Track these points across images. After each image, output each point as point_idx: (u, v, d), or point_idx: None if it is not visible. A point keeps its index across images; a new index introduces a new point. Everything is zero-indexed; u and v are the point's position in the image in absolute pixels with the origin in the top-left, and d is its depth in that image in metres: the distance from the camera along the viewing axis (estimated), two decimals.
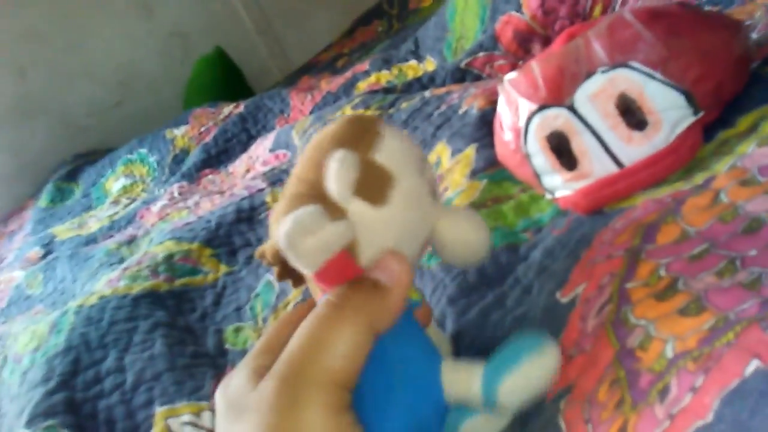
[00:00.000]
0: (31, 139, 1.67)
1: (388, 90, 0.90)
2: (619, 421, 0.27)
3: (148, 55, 1.78)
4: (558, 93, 0.41)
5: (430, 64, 0.97)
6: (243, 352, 0.56)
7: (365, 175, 0.30)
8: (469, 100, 0.65)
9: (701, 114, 0.40)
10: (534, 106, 0.42)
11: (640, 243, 0.35)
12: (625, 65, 0.40)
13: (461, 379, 0.30)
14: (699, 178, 0.38)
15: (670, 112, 0.40)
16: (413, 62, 1.00)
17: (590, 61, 0.41)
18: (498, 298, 0.40)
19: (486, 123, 0.59)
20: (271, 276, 0.64)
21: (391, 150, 0.31)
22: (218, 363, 0.56)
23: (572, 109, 0.41)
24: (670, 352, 0.27)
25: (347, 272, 0.29)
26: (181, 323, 0.62)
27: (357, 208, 0.30)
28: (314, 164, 0.31)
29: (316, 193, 0.30)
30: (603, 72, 0.40)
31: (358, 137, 0.31)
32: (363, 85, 1.05)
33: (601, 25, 0.41)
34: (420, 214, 0.32)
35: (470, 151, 0.57)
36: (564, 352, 0.33)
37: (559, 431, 0.29)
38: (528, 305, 0.38)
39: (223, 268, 0.71)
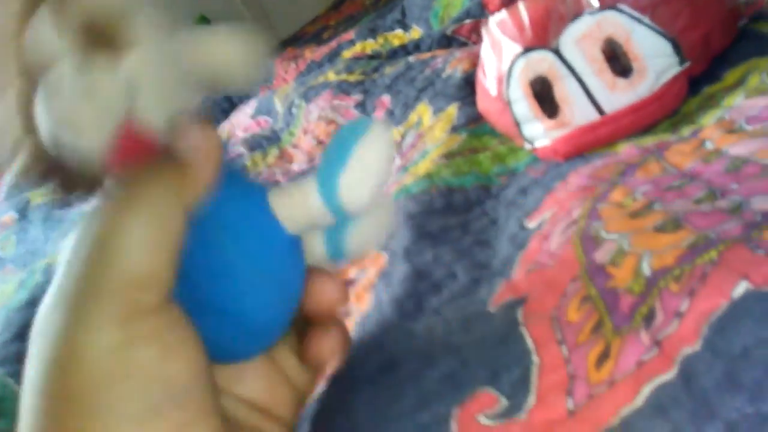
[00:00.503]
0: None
1: (372, 57, 0.88)
2: (600, 345, 0.25)
3: None
4: (544, 35, 0.40)
5: (416, 33, 0.95)
6: None
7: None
8: (453, 64, 0.64)
9: (687, 64, 0.39)
10: (519, 49, 0.41)
11: (618, 177, 0.33)
12: (613, 7, 0.38)
13: (296, 201, 0.25)
14: (685, 131, 0.37)
15: (656, 59, 0.38)
16: (399, 31, 0.99)
17: (578, 2, 0.39)
18: (462, 224, 0.39)
19: (469, 84, 0.57)
20: None
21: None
22: None
23: (557, 52, 0.40)
24: (647, 269, 0.26)
25: (143, 149, 0.23)
26: None
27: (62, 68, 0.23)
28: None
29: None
30: (590, 14, 0.39)
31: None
32: (348, 54, 1.03)
33: None
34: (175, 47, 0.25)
35: (452, 109, 0.55)
36: (521, 269, 0.31)
37: (525, 347, 0.27)
38: (493, 233, 0.37)
39: None
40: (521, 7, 0.41)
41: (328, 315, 0.27)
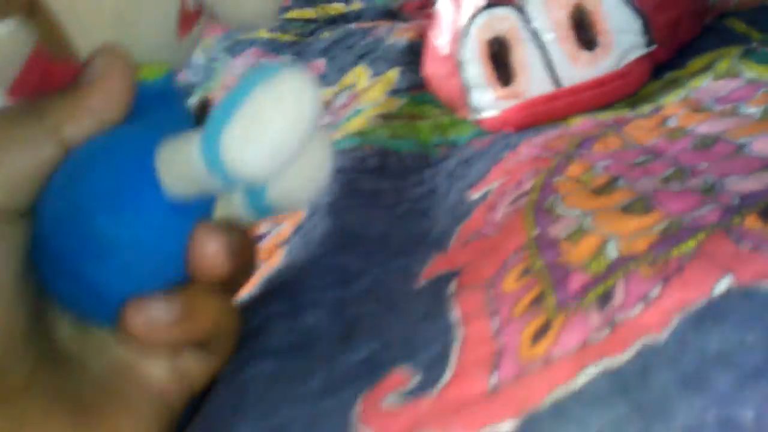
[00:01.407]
0: None
1: (309, 20, 0.83)
2: (539, 319, 0.22)
3: None
4: None
5: (357, 6, 0.91)
6: None
7: None
8: (399, 33, 0.60)
9: (654, 47, 0.36)
10: (482, 2, 0.37)
11: (574, 149, 0.30)
12: None
13: (180, 160, 0.20)
14: (645, 108, 0.34)
15: (623, 35, 0.36)
16: (339, 4, 0.94)
17: None
18: (396, 189, 0.35)
19: (414, 52, 0.53)
20: None
21: None
22: None
23: (522, 11, 0.36)
24: (613, 252, 0.22)
25: (51, 81, 0.21)
26: None
27: None
28: None
29: None
30: None
31: None
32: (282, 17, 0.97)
33: None
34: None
35: (393, 72, 0.51)
36: (458, 240, 0.27)
37: (451, 320, 0.23)
38: (431, 203, 0.32)
39: None
40: None
41: (208, 281, 0.21)
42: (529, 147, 0.32)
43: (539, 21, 0.36)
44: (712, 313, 0.19)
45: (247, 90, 0.19)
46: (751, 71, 0.33)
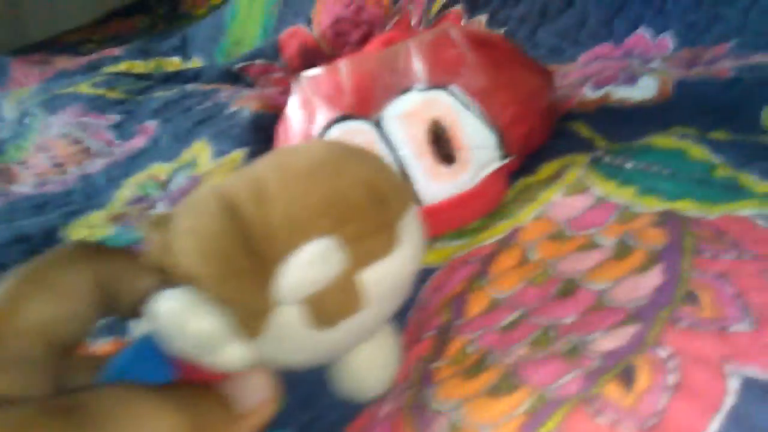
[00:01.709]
0: None
1: (141, 77, 0.76)
2: None
3: None
4: (366, 104, 0.35)
5: (196, 64, 0.86)
6: None
7: (332, 293, 0.20)
8: (241, 102, 0.56)
9: (508, 160, 0.36)
10: (335, 114, 0.35)
11: (449, 319, 0.29)
12: (444, 88, 0.34)
13: None
14: (502, 228, 0.33)
15: (479, 151, 0.35)
16: (176, 59, 0.88)
17: (407, 74, 0.35)
18: None
19: (260, 128, 0.50)
20: None
21: (388, 273, 0.21)
22: None
23: (378, 125, 0.34)
24: None
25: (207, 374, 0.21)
26: None
27: (288, 318, 0.20)
28: (279, 206, 0.20)
29: (245, 249, 0.19)
30: (419, 90, 0.34)
31: (365, 233, 0.20)
32: (110, 71, 0.89)
33: (425, 37, 0.35)
34: (355, 344, 0.23)
35: (238, 155, 0.47)
36: None
37: None
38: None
39: None
40: (343, 68, 0.35)
41: None
42: (416, 328, 0.30)
43: (396, 136, 0.34)
44: None
45: None
46: (598, 187, 0.34)
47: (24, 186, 0.60)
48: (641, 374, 0.21)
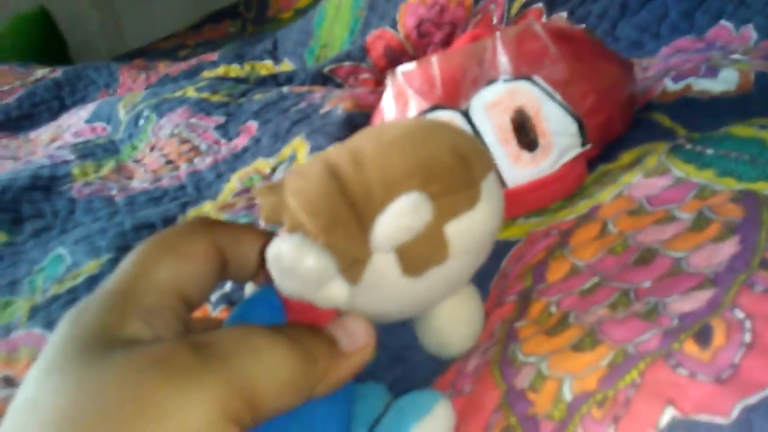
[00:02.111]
0: None
1: (239, 80, 0.82)
2: None
3: None
4: (455, 95, 0.38)
5: (286, 67, 0.91)
6: (7, 327, 0.45)
7: (421, 242, 0.23)
8: (333, 101, 0.61)
9: (588, 146, 0.38)
10: (426, 105, 0.38)
11: (531, 284, 0.31)
12: (528, 78, 0.37)
13: None
14: (582, 207, 0.36)
15: (561, 137, 0.37)
16: (269, 62, 0.94)
17: (493, 66, 0.38)
18: None
19: (352, 125, 0.54)
20: (63, 249, 0.53)
21: (470, 227, 0.24)
22: None
23: (466, 114, 0.37)
24: (568, 394, 0.24)
25: (316, 313, 0.24)
26: None
27: (382, 264, 0.23)
28: (375, 168, 0.23)
29: (346, 205, 0.23)
30: (504, 81, 0.37)
31: (450, 190, 0.23)
32: (209, 75, 0.96)
33: (510, 31, 0.38)
34: (440, 297, 0.26)
35: None
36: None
37: None
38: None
39: (2, 237, 0.58)
40: (434, 62, 0.39)
41: None
42: (497, 296, 0.33)
43: (482, 124, 0.37)
44: None
45: (409, 421, 0.23)
46: (679, 170, 0.35)
47: (139, 181, 0.67)
48: (717, 333, 0.23)
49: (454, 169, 0.24)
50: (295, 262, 0.22)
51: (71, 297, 0.46)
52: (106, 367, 0.18)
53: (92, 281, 0.47)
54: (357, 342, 0.23)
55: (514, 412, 0.24)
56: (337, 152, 0.24)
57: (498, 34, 0.38)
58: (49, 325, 0.44)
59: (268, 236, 0.25)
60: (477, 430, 0.25)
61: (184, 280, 0.22)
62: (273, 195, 0.24)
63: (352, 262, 0.23)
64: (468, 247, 0.25)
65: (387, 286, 0.24)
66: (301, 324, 0.23)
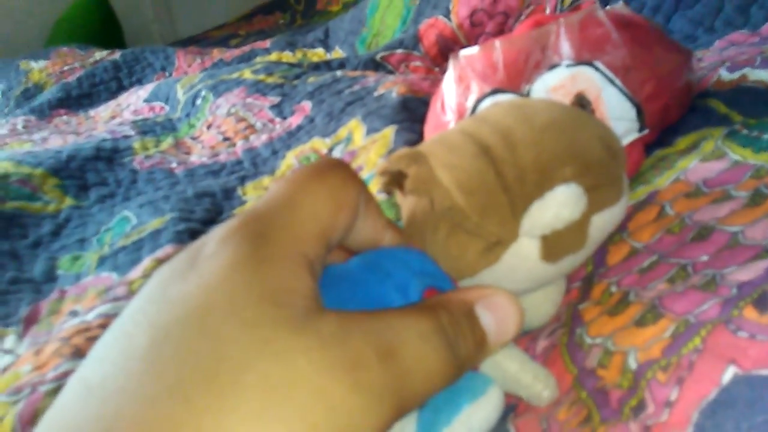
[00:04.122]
0: None
1: (293, 65, 0.84)
2: None
3: None
4: (517, 79, 0.39)
5: (337, 55, 0.93)
6: (77, 276, 0.48)
7: (568, 231, 0.24)
8: (387, 85, 0.62)
9: (646, 132, 0.39)
10: (488, 88, 0.40)
11: (592, 269, 0.33)
12: (590, 64, 0.38)
13: (392, 429, 0.24)
14: (641, 192, 0.37)
15: (619, 122, 0.39)
16: (320, 50, 0.96)
17: (556, 52, 0.39)
18: None
19: (407, 108, 0.56)
20: (128, 212, 0.56)
21: (610, 219, 0.25)
22: (42, 289, 0.49)
23: (527, 98, 0.39)
24: (633, 363, 0.25)
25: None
26: (4, 247, 0.53)
27: (526, 249, 0.24)
28: (528, 153, 0.23)
29: (500, 187, 0.23)
30: (567, 66, 0.38)
31: (602, 183, 0.24)
32: (262, 60, 0.99)
33: (573, 18, 0.39)
34: (559, 278, 0.27)
35: (389, 131, 0.53)
36: None
37: None
38: None
39: (69, 200, 0.62)
40: (497, 46, 0.40)
41: None
42: None
43: None
44: (722, 402, 0.21)
45: (462, 402, 0.22)
46: (736, 154, 0.36)
47: (197, 156, 0.70)
48: None
49: (605, 163, 0.24)
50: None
51: (137, 247, 0.49)
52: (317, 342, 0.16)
53: (156, 234, 0.50)
54: (507, 330, 0.20)
55: (585, 387, 0.26)
56: (484, 130, 0.24)
57: (561, 20, 0.39)
58: (116, 269, 0.47)
59: (388, 218, 0.23)
60: (549, 406, 0.26)
61: (336, 232, 0.20)
62: (419, 165, 0.23)
63: (498, 244, 0.23)
64: (600, 238, 0.25)
65: (522, 268, 0.24)
66: (449, 299, 0.20)
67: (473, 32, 0.73)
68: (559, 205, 0.23)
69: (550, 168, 0.23)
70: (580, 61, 0.38)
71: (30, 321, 0.44)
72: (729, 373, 0.22)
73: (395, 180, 0.25)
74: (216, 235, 0.18)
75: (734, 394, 0.21)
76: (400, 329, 0.18)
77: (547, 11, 0.69)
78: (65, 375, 0.37)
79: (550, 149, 0.23)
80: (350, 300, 0.20)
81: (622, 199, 0.25)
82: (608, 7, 0.43)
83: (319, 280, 0.20)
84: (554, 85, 0.39)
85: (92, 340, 0.40)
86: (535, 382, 0.25)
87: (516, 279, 0.25)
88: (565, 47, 0.39)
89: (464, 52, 0.42)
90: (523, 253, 0.24)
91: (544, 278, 0.25)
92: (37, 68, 1.18)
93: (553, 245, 0.24)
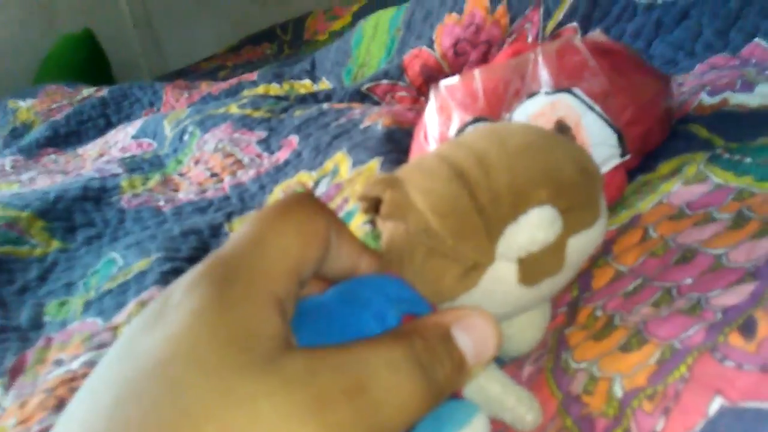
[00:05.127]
0: None
1: (280, 98, 0.85)
2: None
3: (4, 21, 1.59)
4: (497, 107, 0.39)
5: (324, 86, 0.94)
6: (63, 322, 0.48)
7: (545, 254, 0.24)
8: (373, 117, 0.62)
9: (628, 157, 0.39)
10: (469, 117, 0.40)
11: (578, 294, 0.33)
12: (568, 90, 0.38)
13: None
14: (624, 216, 0.37)
15: (601, 147, 0.39)
16: (307, 81, 0.97)
17: (535, 80, 0.39)
18: None
19: (392, 140, 0.56)
20: (115, 254, 0.55)
21: (587, 242, 0.25)
22: (29, 337, 0.48)
23: None
24: (619, 391, 0.25)
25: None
26: None
27: (503, 273, 0.23)
28: (502, 175, 0.23)
29: (474, 210, 0.23)
30: (546, 94, 0.39)
31: (577, 206, 0.24)
32: (249, 94, 0.99)
33: (550, 46, 0.40)
34: (537, 305, 0.27)
35: (374, 163, 0.53)
36: None
37: None
38: None
39: (56, 244, 0.61)
40: (477, 76, 0.40)
41: None
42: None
43: None
44: None
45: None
46: (718, 177, 0.36)
47: (185, 193, 0.69)
48: (762, 325, 0.23)
49: (581, 185, 0.24)
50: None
51: (122, 290, 0.49)
52: (281, 381, 0.16)
53: (142, 276, 0.49)
54: (486, 349, 0.20)
55: (570, 414, 0.25)
56: (459, 153, 0.24)
57: (539, 48, 0.39)
58: (101, 314, 0.47)
59: (363, 244, 0.23)
60: None
61: (307, 266, 0.20)
62: (394, 190, 0.23)
63: (473, 268, 0.23)
64: (579, 261, 0.25)
65: (501, 292, 0.24)
66: (424, 324, 0.19)
67: (457, 62, 0.74)
68: (533, 227, 0.23)
69: (524, 190, 0.23)
70: (559, 89, 0.39)
71: (16, 372, 0.44)
72: (716, 404, 0.22)
73: (373, 206, 0.25)
74: (182, 282, 0.18)
75: (721, 426, 0.21)
76: (370, 361, 0.17)
77: (529, 39, 0.70)
78: (49, 428, 0.36)
79: (524, 172, 0.23)
80: (327, 333, 0.20)
81: (599, 221, 0.25)
82: (587, 35, 0.43)
83: (294, 315, 0.19)
84: (534, 112, 0.39)
85: (76, 390, 0.39)
86: (519, 405, 0.24)
87: (495, 303, 0.24)
88: (544, 75, 0.39)
89: (445, 83, 0.43)
90: (501, 277, 0.23)
91: (524, 302, 0.25)
92: (25, 107, 1.18)
93: (531, 268, 0.24)
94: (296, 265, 0.19)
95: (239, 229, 0.20)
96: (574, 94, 0.38)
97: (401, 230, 0.24)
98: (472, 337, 0.19)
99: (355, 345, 0.18)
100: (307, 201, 0.20)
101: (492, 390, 0.24)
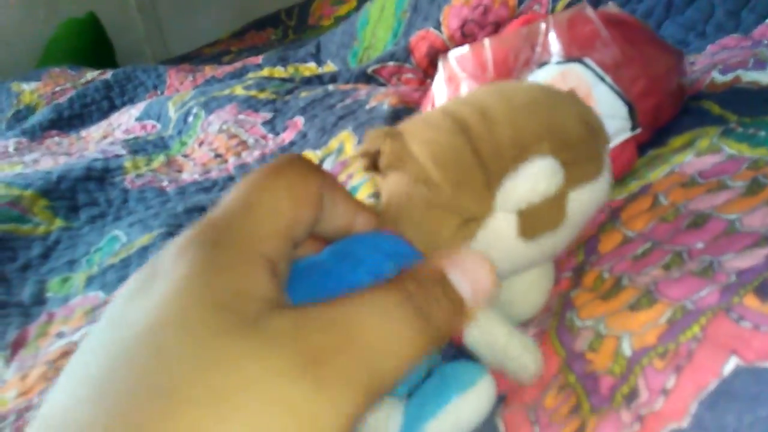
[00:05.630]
0: None
1: (285, 80, 0.84)
2: (574, 423, 0.23)
3: (9, 4, 1.59)
4: (506, 76, 0.39)
5: (329, 69, 0.93)
6: (66, 298, 0.47)
7: (545, 207, 0.23)
8: (379, 97, 0.62)
9: (639, 130, 0.39)
10: (477, 87, 0.39)
11: (583, 258, 0.32)
12: (579, 60, 0.38)
13: (377, 419, 0.23)
14: (634, 186, 0.36)
15: (611, 120, 0.38)
16: (312, 64, 0.96)
17: (545, 49, 0.38)
18: None
19: (399, 118, 0.55)
20: (119, 231, 0.55)
21: (589, 197, 0.24)
22: (31, 312, 0.48)
23: None
24: (627, 350, 0.24)
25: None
26: None
27: (502, 225, 0.23)
28: (505, 128, 0.23)
29: (475, 161, 0.22)
30: (557, 63, 0.38)
31: (580, 159, 0.24)
32: (254, 76, 0.98)
33: (562, 15, 0.39)
34: (539, 263, 0.26)
35: None
36: None
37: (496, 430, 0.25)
38: None
39: (59, 222, 0.61)
40: (486, 45, 0.40)
41: None
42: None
43: None
44: (724, 394, 0.20)
45: (451, 392, 0.22)
46: (731, 148, 0.36)
47: (189, 174, 0.69)
48: None
49: (584, 139, 0.24)
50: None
51: (125, 264, 0.48)
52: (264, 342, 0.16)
53: (144, 250, 0.49)
54: (482, 289, 0.19)
55: (573, 371, 0.25)
56: (463, 107, 0.24)
57: (550, 17, 0.39)
58: (104, 287, 0.46)
59: (358, 202, 0.22)
60: (536, 392, 0.25)
61: (300, 226, 0.20)
62: (394, 141, 0.23)
63: (473, 220, 0.23)
64: (581, 217, 0.25)
65: (498, 246, 0.23)
66: (418, 269, 0.19)
67: (464, 43, 0.73)
68: (534, 177, 0.22)
69: (527, 144, 0.23)
70: (569, 58, 0.38)
71: (18, 345, 0.44)
72: (731, 364, 0.21)
73: (374, 164, 0.24)
74: (173, 247, 0.18)
75: (736, 386, 0.21)
76: (361, 310, 0.17)
77: None
78: None
79: (527, 126, 0.23)
80: (322, 291, 0.19)
81: (602, 176, 0.24)
82: (599, 7, 0.43)
83: (289, 276, 0.19)
84: (545, 82, 0.38)
85: None
86: (524, 353, 0.24)
87: (494, 258, 0.24)
88: (555, 44, 0.38)
89: (454, 53, 0.42)
90: (500, 229, 0.23)
91: (524, 258, 0.25)
92: (29, 90, 1.18)
93: (530, 221, 0.23)
94: (288, 225, 0.19)
95: (230, 192, 0.20)
96: (585, 64, 0.38)
97: (401, 184, 0.23)
98: (467, 277, 0.19)
99: (346, 297, 0.17)
100: (297, 162, 0.20)
101: (496, 334, 0.24)
